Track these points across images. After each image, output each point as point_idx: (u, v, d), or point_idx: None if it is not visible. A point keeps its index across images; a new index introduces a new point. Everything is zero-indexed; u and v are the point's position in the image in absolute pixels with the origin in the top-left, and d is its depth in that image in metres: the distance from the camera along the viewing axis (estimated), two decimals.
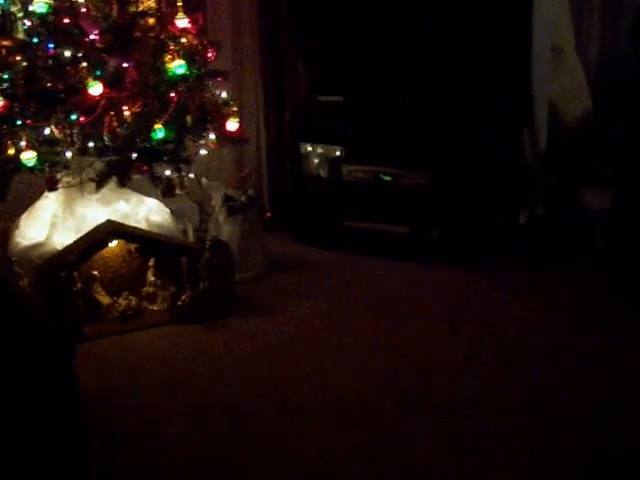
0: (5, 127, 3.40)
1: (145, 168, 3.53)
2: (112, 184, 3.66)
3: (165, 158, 3.60)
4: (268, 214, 4.74)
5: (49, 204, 3.81)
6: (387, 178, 4.42)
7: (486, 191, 4.52)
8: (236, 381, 3.11)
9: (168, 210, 3.98)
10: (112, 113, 3.43)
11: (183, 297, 3.63)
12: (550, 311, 3.67)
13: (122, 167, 3.50)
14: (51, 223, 3.74)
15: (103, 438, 2.62)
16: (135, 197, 3.89)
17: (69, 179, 3.55)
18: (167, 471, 2.51)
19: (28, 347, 2.17)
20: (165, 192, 3.63)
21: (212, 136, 3.78)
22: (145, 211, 3.87)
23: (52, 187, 3.46)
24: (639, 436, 2.61)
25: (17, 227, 3.82)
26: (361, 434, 2.68)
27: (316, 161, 4.63)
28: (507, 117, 4.59)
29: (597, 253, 4.17)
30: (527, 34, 4.48)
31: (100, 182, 3.49)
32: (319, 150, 4.61)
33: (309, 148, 4.64)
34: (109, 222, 3.62)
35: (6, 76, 3.37)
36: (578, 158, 4.77)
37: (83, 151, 3.48)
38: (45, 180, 3.46)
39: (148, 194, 3.92)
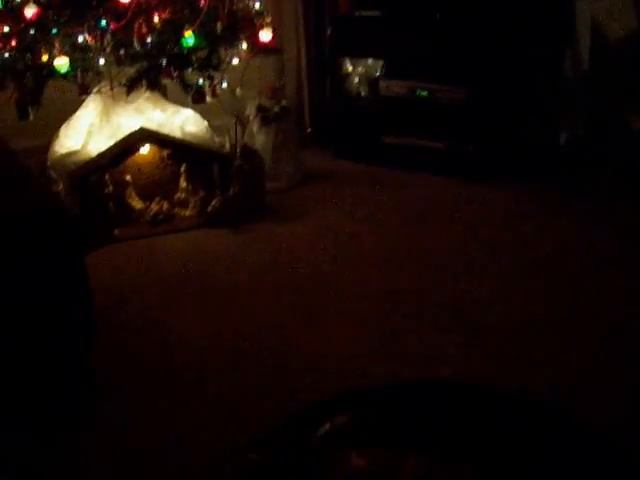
0: (38, 34, 3.45)
1: (175, 74, 3.55)
2: (149, 94, 3.72)
3: (196, 65, 3.60)
4: (308, 130, 4.77)
5: (87, 114, 3.87)
6: (424, 93, 4.40)
7: (524, 109, 4.46)
8: (256, 280, 3.18)
9: (206, 122, 4.01)
10: (142, 19, 3.45)
11: (213, 202, 3.69)
12: (582, 228, 3.65)
13: (152, 73, 3.55)
14: (87, 132, 3.80)
15: (119, 325, 2.72)
16: (171, 107, 3.94)
17: (101, 86, 3.58)
18: (178, 361, 2.58)
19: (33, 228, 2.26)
20: (195, 98, 3.68)
21: (244, 45, 3.77)
22: (181, 121, 3.91)
23: (83, 92, 3.51)
24: None
25: (56, 137, 3.90)
26: (378, 330, 2.73)
27: (355, 77, 4.62)
28: (548, 35, 4.51)
29: (635, 174, 4.11)
30: None
31: (130, 87, 3.55)
32: (358, 65, 4.60)
33: (348, 63, 4.63)
34: (142, 129, 3.68)
35: None
36: (621, 79, 4.68)
37: (115, 58, 3.50)
38: (77, 86, 3.50)
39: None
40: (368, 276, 3.15)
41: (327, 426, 1.37)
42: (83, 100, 3.75)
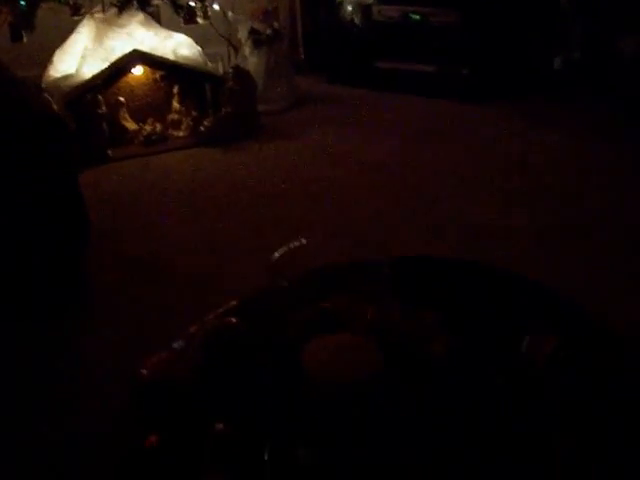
0: None
1: None
2: (142, 18, 3.75)
3: None
4: (302, 56, 4.80)
5: (80, 39, 3.90)
6: (416, 17, 4.42)
7: (518, 33, 4.47)
8: (247, 192, 3.24)
9: (198, 47, 4.05)
10: None
11: (205, 122, 3.75)
12: (572, 143, 3.68)
13: None
14: (81, 56, 3.84)
15: (113, 230, 2.80)
16: (164, 32, 3.97)
17: (93, 7, 3.62)
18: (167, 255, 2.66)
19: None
20: (187, 19, 3.72)
21: None
22: (173, 45, 3.95)
23: (75, 13, 3.56)
24: None
25: (51, 62, 3.94)
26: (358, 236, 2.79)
27: (348, 1, 4.63)
28: None
29: (625, 96, 4.13)
30: None
31: (122, 8, 3.59)
32: None
33: None
34: (135, 51, 3.72)
35: None
36: (614, 3, 4.68)
37: None
38: (69, 7, 3.55)
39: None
40: (358, 190, 3.21)
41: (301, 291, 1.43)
42: (76, 24, 3.77)
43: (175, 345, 1.39)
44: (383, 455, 1.06)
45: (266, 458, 1.08)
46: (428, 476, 1.05)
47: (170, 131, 3.82)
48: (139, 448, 1.13)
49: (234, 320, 1.40)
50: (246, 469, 1.08)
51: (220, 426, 1.12)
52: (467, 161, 3.45)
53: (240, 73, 3.79)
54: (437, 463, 1.06)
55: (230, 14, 4.13)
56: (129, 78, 3.73)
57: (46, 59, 3.93)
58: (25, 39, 3.64)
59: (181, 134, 3.82)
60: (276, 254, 1.32)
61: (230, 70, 3.81)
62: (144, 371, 1.27)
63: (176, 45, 3.95)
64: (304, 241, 1.34)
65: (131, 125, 3.74)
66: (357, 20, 4.60)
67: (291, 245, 1.33)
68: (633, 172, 3.27)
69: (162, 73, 3.78)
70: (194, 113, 3.77)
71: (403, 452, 1.07)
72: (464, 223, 2.83)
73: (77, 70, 3.79)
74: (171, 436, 1.15)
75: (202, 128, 3.73)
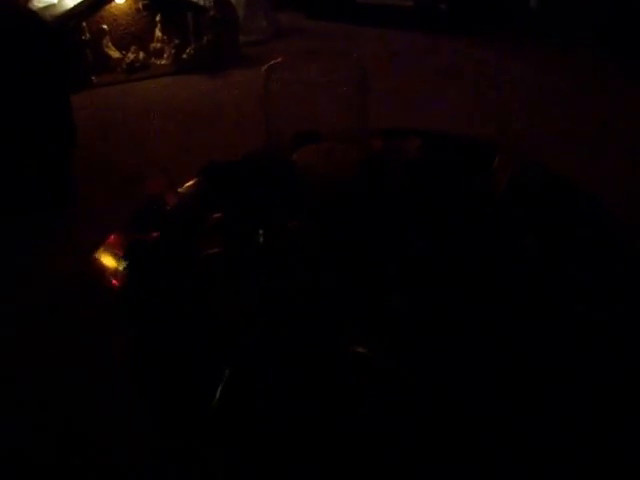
0: None
1: None
2: None
3: None
4: None
5: None
6: None
7: None
8: (229, 114, 3.30)
9: None
10: None
11: (188, 50, 3.82)
12: (544, 70, 3.75)
13: None
14: None
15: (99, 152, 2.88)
16: None
17: None
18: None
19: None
20: None
21: None
22: None
23: None
24: None
25: None
26: None
27: None
28: None
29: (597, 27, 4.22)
30: None
31: None
32: None
33: None
34: None
35: None
36: None
37: None
38: None
39: None
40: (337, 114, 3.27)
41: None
42: None
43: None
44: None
45: (261, 239, 1.18)
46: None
47: (153, 59, 3.88)
48: (142, 242, 1.21)
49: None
50: (242, 246, 1.17)
51: (217, 215, 1.22)
52: (439, 91, 3.53)
53: (222, 2, 3.85)
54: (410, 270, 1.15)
55: None
56: (112, 7, 3.79)
57: None
58: None
59: (164, 62, 3.89)
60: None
61: None
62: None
63: None
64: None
65: (114, 53, 3.80)
66: None
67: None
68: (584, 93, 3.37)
69: (145, 2, 3.84)
70: (176, 41, 3.83)
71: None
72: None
73: (59, 0, 3.83)
74: (171, 231, 1.23)
75: (184, 56, 3.80)
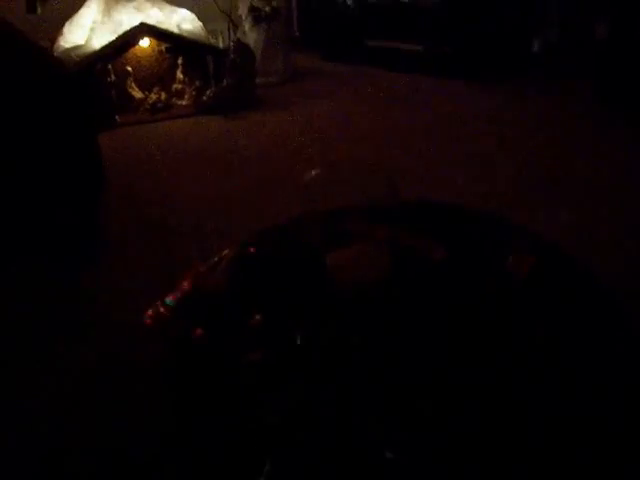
0: None
1: None
2: None
3: None
4: (296, 33, 5.06)
5: (89, 12, 4.14)
6: None
7: (499, 14, 4.73)
8: (247, 157, 3.48)
9: (200, 22, 4.30)
10: None
11: (208, 92, 4.00)
12: (538, 118, 3.92)
13: None
14: (90, 28, 4.07)
15: (124, 192, 3.05)
16: (169, 7, 4.22)
17: None
18: (176, 204, 2.91)
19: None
20: None
21: None
22: (178, 19, 4.19)
23: None
24: None
25: (60, 34, 4.17)
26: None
27: None
28: None
29: (596, 79, 4.38)
30: None
31: None
32: None
33: None
34: (143, 24, 3.96)
35: None
36: None
37: None
38: None
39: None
40: (346, 151, 3.47)
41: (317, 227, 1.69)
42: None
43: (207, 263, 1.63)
44: (394, 340, 1.34)
45: (298, 342, 1.35)
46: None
47: (174, 100, 4.06)
48: (187, 339, 1.38)
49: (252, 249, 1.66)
50: (281, 350, 1.34)
51: (258, 317, 1.38)
52: (442, 133, 3.71)
53: (241, 46, 4.04)
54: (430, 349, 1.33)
55: None
56: (136, 49, 3.97)
57: (55, 29, 4.15)
58: (39, 11, 3.85)
59: (184, 103, 4.07)
60: (309, 175, 1.58)
61: (232, 43, 4.04)
62: (185, 283, 1.52)
63: (180, 19, 4.20)
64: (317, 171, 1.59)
65: (137, 94, 3.99)
66: (349, 0, 4.85)
67: (314, 172, 1.58)
68: (592, 141, 3.54)
69: (167, 45, 4.02)
70: (197, 83, 4.02)
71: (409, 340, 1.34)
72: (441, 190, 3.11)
73: (86, 42, 4.02)
74: (214, 329, 1.40)
75: (204, 97, 3.98)
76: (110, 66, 3.84)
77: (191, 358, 1.40)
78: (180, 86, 4.05)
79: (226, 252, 1.67)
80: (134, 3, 4.05)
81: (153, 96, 4.00)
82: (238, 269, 1.59)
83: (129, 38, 3.91)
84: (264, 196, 2.96)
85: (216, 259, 1.64)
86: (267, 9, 4.37)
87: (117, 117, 3.87)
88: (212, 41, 4.31)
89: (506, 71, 4.71)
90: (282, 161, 3.34)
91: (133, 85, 3.98)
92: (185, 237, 2.66)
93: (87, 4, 4.12)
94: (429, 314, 1.39)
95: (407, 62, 4.68)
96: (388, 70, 4.66)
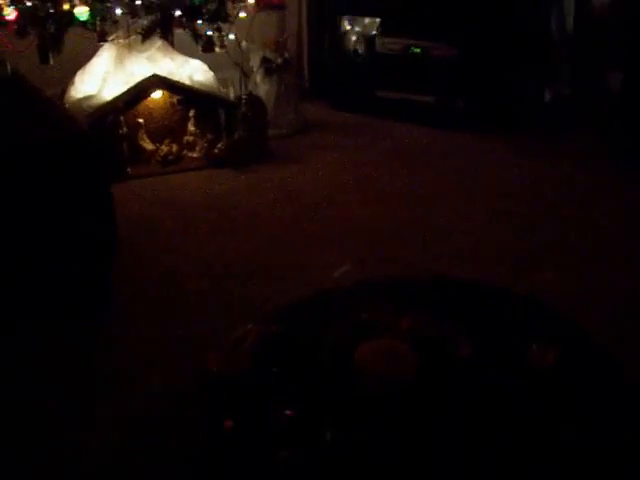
0: None
1: (186, 25, 3.84)
2: (160, 44, 4.00)
3: (206, 17, 3.89)
4: (307, 83, 5.07)
5: (101, 62, 4.13)
6: (417, 50, 4.68)
7: (511, 67, 4.75)
8: (257, 213, 3.51)
9: (212, 73, 4.30)
10: None
11: (219, 145, 4.00)
12: (551, 177, 3.95)
13: (165, 22, 3.83)
14: (102, 78, 4.07)
15: (137, 247, 3.04)
16: (181, 57, 4.22)
17: (118, 34, 3.86)
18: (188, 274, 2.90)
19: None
20: (205, 48, 3.96)
21: (251, 0, 4.05)
22: (189, 70, 4.19)
23: (102, 39, 3.79)
24: None
25: (72, 83, 4.16)
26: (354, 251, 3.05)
27: (352, 34, 4.90)
28: None
29: (608, 131, 4.39)
30: None
31: (145, 36, 3.83)
32: (355, 23, 4.87)
33: (346, 21, 4.90)
34: (155, 75, 3.96)
35: None
36: (604, 41, 4.92)
37: (131, 8, 3.78)
38: (96, 33, 3.78)
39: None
40: (358, 211, 3.48)
41: (335, 303, 1.69)
42: (97, 46, 4.01)
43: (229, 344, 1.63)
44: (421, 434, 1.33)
45: (328, 439, 1.34)
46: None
47: (185, 152, 4.05)
48: (218, 431, 1.37)
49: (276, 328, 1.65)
50: (311, 447, 1.33)
51: (288, 412, 1.37)
52: (454, 185, 3.76)
53: (253, 100, 4.05)
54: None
55: (244, 43, 4.37)
56: (148, 101, 3.96)
57: (65, 77, 4.14)
58: (52, 61, 3.84)
59: (195, 155, 4.06)
60: (339, 271, 1.58)
61: (243, 96, 4.04)
62: (212, 367, 1.52)
63: (192, 71, 4.20)
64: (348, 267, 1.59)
65: (149, 145, 3.98)
66: (360, 50, 4.85)
67: (344, 268, 1.58)
68: (609, 198, 3.54)
69: (179, 97, 4.01)
70: (209, 136, 4.01)
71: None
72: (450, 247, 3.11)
73: (98, 91, 4.02)
74: (243, 421, 1.39)
75: (216, 150, 3.97)
76: (122, 118, 3.81)
77: (222, 451, 1.39)
78: (191, 138, 4.04)
79: (250, 327, 1.67)
80: (146, 53, 4.04)
81: (164, 148, 3.99)
82: (263, 352, 1.58)
83: (141, 90, 3.90)
84: (275, 255, 2.96)
85: (239, 335, 1.64)
86: (279, 61, 4.38)
87: (129, 169, 3.85)
88: (223, 91, 4.30)
89: (517, 122, 4.69)
90: (294, 219, 3.37)
91: (144, 137, 3.97)
92: (199, 299, 2.65)
93: (99, 53, 4.11)
94: (455, 414, 1.38)
95: (417, 113, 4.68)
96: (398, 121, 4.65)
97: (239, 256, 3.02)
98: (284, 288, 2.73)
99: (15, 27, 3.84)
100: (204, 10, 3.89)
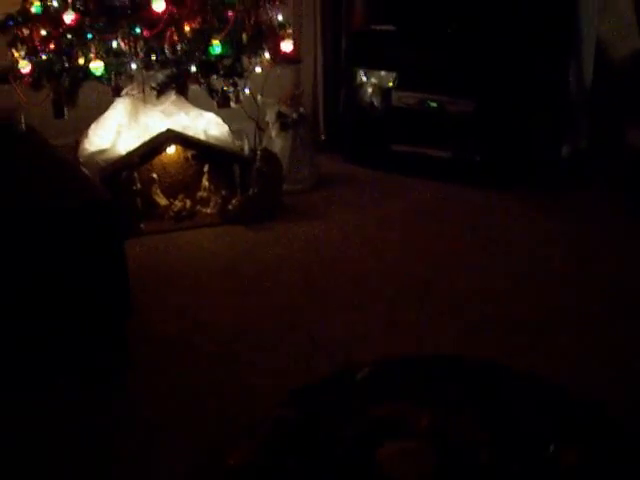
0: (76, 39, 3.71)
1: (202, 80, 3.81)
2: (174, 98, 3.98)
3: (221, 72, 3.86)
4: (322, 136, 5.05)
5: (115, 114, 4.12)
6: (434, 104, 4.64)
7: (529, 122, 4.71)
8: (272, 272, 3.46)
9: (226, 126, 4.27)
10: (173, 28, 3.70)
11: (233, 201, 3.95)
12: (569, 237, 3.90)
13: (181, 78, 3.80)
14: (116, 131, 4.05)
15: (149, 307, 2.99)
16: (195, 111, 4.19)
17: (133, 88, 3.84)
18: (200, 342, 2.85)
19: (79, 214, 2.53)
20: (220, 103, 3.93)
21: (267, 55, 4.03)
22: (204, 124, 4.17)
23: (116, 94, 3.77)
24: None
25: (86, 136, 4.14)
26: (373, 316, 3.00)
27: (368, 87, 4.87)
28: (553, 51, 4.76)
29: (630, 191, 4.34)
30: None
31: (160, 91, 3.80)
32: (371, 76, 4.85)
33: (362, 74, 4.88)
34: (169, 130, 3.93)
35: None
36: (624, 96, 4.90)
37: (146, 63, 3.76)
38: (111, 88, 3.76)
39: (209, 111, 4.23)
40: (375, 271, 3.43)
41: (351, 387, 1.63)
42: (112, 101, 3.99)
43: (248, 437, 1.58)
44: None
45: None
46: None
47: (199, 208, 4.01)
48: None
49: (291, 414, 1.60)
50: None
51: None
52: (470, 249, 3.71)
53: (268, 156, 4.01)
54: None
55: (259, 98, 4.35)
56: (162, 156, 3.94)
57: (79, 127, 4.13)
58: (66, 116, 3.82)
59: (209, 211, 4.02)
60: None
61: (258, 152, 4.01)
62: (231, 461, 1.46)
63: (206, 124, 4.18)
64: None
65: (162, 200, 3.94)
66: (376, 103, 4.82)
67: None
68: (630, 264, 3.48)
69: (193, 152, 3.97)
70: (223, 192, 3.97)
71: None
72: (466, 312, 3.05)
73: (112, 145, 4.00)
74: None
75: (230, 207, 3.93)
76: (136, 174, 3.77)
77: None
78: (205, 194, 4.00)
79: (266, 413, 1.63)
80: (161, 107, 4.02)
81: (178, 203, 3.95)
82: (279, 439, 1.54)
83: (156, 145, 3.87)
84: (292, 319, 2.91)
85: (258, 421, 1.60)
86: (295, 116, 4.34)
87: (142, 225, 3.81)
88: (238, 144, 4.27)
89: (534, 177, 4.66)
90: (308, 279, 3.36)
91: (158, 191, 3.94)
92: (213, 364, 2.65)
93: (113, 106, 4.09)
94: None
95: (433, 168, 4.63)
96: (413, 176, 4.60)
97: (251, 320, 2.97)
98: (297, 356, 2.71)
99: (30, 80, 3.83)
100: (220, 66, 3.84)
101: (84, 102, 3.89)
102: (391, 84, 4.78)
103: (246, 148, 4.40)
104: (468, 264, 3.45)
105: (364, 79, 4.88)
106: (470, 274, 3.35)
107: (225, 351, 2.74)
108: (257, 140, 4.56)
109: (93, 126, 4.14)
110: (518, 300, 3.12)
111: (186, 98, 4.09)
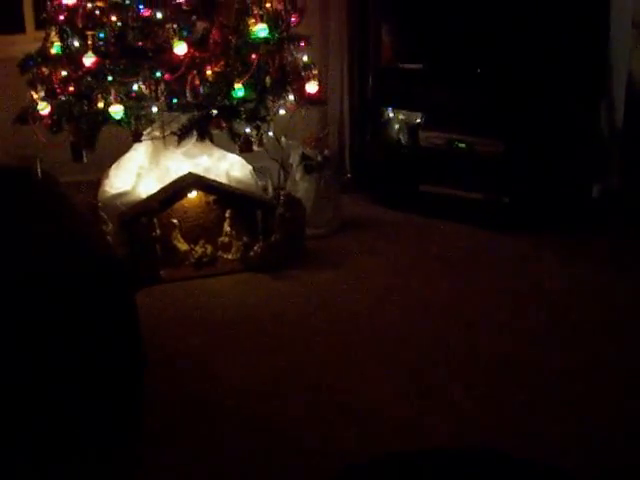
0: (96, 82, 3.64)
1: (224, 124, 3.72)
2: (196, 140, 3.89)
3: (244, 116, 3.77)
4: (348, 175, 4.95)
5: (136, 156, 4.05)
6: (462, 145, 4.54)
7: (559, 162, 4.59)
8: (295, 326, 3.36)
9: (250, 167, 4.18)
10: (195, 72, 3.62)
11: (255, 248, 3.86)
12: (600, 279, 3.79)
13: (202, 122, 3.72)
14: (137, 174, 3.99)
15: (165, 363, 2.89)
16: (218, 152, 4.11)
17: (153, 132, 3.75)
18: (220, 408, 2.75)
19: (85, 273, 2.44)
20: (242, 147, 3.84)
21: (291, 97, 3.93)
22: (226, 166, 4.09)
23: (137, 139, 3.69)
24: None
25: (106, 177, 4.08)
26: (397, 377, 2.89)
27: (395, 127, 4.78)
28: (584, 89, 4.65)
29: None
30: (606, 7, 4.54)
31: (182, 135, 3.71)
32: (399, 116, 4.76)
33: (389, 114, 4.79)
34: (190, 174, 3.85)
35: (101, 35, 3.60)
36: None
37: (167, 106, 3.68)
38: (131, 132, 3.68)
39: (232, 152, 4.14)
40: (401, 326, 3.31)
41: None
42: (132, 144, 3.92)
43: None
44: None
45: None
46: None
47: (220, 253, 3.92)
48: None
49: None
50: None
51: None
52: (500, 298, 3.60)
53: (291, 201, 3.92)
54: None
55: (283, 139, 4.26)
56: (183, 200, 3.84)
57: (101, 167, 4.07)
58: (85, 159, 3.75)
59: (231, 257, 3.93)
60: None
61: (282, 197, 3.91)
62: None
63: (229, 166, 4.10)
64: None
65: (183, 246, 3.85)
66: (403, 141, 4.72)
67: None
68: None
69: (215, 197, 3.88)
70: (245, 238, 3.87)
71: None
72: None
73: (133, 188, 3.94)
74: None
75: (252, 253, 3.84)
76: (155, 220, 3.68)
77: None
78: (227, 239, 3.91)
79: None
80: (183, 149, 3.94)
81: (199, 249, 3.86)
82: None
83: (176, 191, 3.78)
84: (310, 375, 2.91)
85: None
86: (319, 158, 4.25)
87: (162, 272, 3.72)
88: (261, 184, 4.18)
89: (564, 219, 4.55)
90: (331, 332, 3.29)
91: (179, 237, 3.85)
92: (233, 426, 2.58)
93: (134, 147, 4.03)
94: None
95: (462, 211, 4.51)
96: (441, 218, 4.49)
97: (271, 380, 2.88)
98: (318, 418, 2.64)
99: (49, 122, 3.76)
100: (242, 109, 3.75)
101: (103, 144, 3.78)
102: (419, 123, 4.67)
103: (270, 189, 4.31)
104: (497, 319, 3.34)
105: (391, 118, 4.77)
106: (496, 330, 3.23)
107: (245, 418, 2.64)
108: (281, 179, 4.46)
109: (113, 167, 4.09)
110: (550, 361, 2.99)
111: (211, 141, 3.99)
